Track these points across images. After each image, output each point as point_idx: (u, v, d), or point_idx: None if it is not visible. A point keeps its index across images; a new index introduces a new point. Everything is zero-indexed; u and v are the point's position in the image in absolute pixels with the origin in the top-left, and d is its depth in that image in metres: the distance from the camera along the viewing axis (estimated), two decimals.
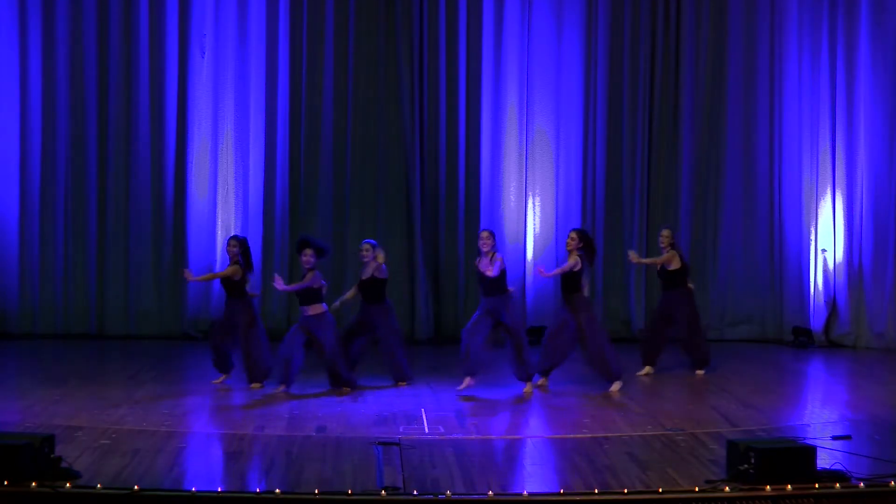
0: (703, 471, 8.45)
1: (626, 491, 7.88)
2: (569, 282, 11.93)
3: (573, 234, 12.06)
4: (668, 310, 12.97)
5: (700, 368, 13.01)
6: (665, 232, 13.12)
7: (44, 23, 15.38)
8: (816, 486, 7.94)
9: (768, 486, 7.88)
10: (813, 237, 15.74)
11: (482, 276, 11.66)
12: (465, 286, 15.62)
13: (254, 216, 15.61)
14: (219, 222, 15.60)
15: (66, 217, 15.52)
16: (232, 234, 13.12)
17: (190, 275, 12.55)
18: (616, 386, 11.91)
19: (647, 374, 12.87)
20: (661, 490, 7.90)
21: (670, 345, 13.14)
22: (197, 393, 11.66)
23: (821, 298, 15.65)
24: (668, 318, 12.98)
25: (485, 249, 11.65)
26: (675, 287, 12.97)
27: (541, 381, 12.08)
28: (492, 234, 11.76)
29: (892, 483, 8.04)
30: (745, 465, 8.00)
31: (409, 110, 15.53)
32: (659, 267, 13.09)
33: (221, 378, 12.09)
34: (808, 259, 15.76)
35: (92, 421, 10.03)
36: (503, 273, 11.66)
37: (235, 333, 11.98)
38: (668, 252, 12.95)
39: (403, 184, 15.68)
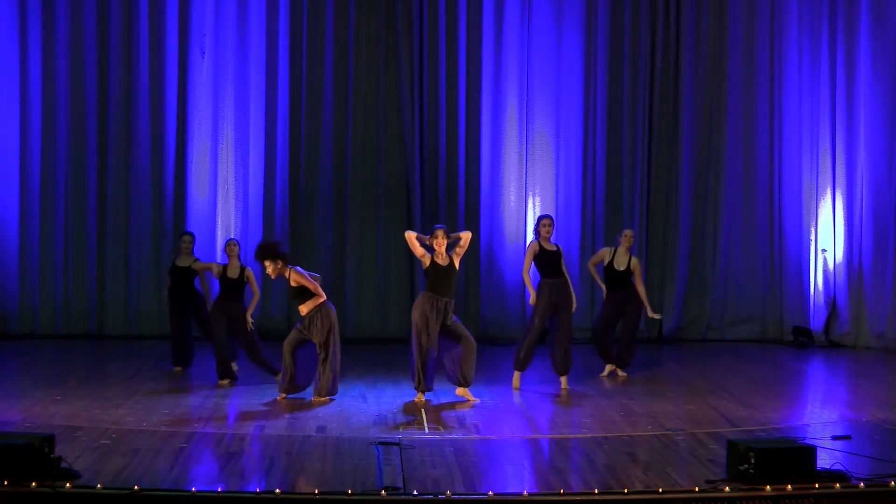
0: (703, 471, 8.45)
1: (626, 491, 7.88)
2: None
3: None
4: (623, 307, 12.86)
5: (625, 368, 12.96)
6: (629, 232, 12.95)
7: (44, 23, 15.39)
8: (816, 486, 7.94)
9: (768, 486, 7.88)
10: (813, 237, 15.76)
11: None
12: (464, 286, 15.60)
13: (254, 216, 15.60)
14: (219, 222, 15.60)
15: (66, 217, 15.52)
16: (231, 238, 13.02)
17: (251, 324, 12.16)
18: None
19: (610, 374, 12.86)
20: (661, 490, 7.89)
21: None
22: (197, 393, 11.65)
23: (821, 298, 15.66)
24: (620, 315, 12.89)
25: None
26: (628, 286, 12.83)
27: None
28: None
29: (892, 483, 8.04)
30: (745, 465, 8.00)
31: (409, 110, 15.53)
32: (607, 263, 12.85)
33: (227, 381, 12.13)
34: (808, 259, 15.78)
35: (92, 421, 10.02)
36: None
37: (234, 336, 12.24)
38: (633, 260, 12.82)
39: (403, 184, 15.68)
